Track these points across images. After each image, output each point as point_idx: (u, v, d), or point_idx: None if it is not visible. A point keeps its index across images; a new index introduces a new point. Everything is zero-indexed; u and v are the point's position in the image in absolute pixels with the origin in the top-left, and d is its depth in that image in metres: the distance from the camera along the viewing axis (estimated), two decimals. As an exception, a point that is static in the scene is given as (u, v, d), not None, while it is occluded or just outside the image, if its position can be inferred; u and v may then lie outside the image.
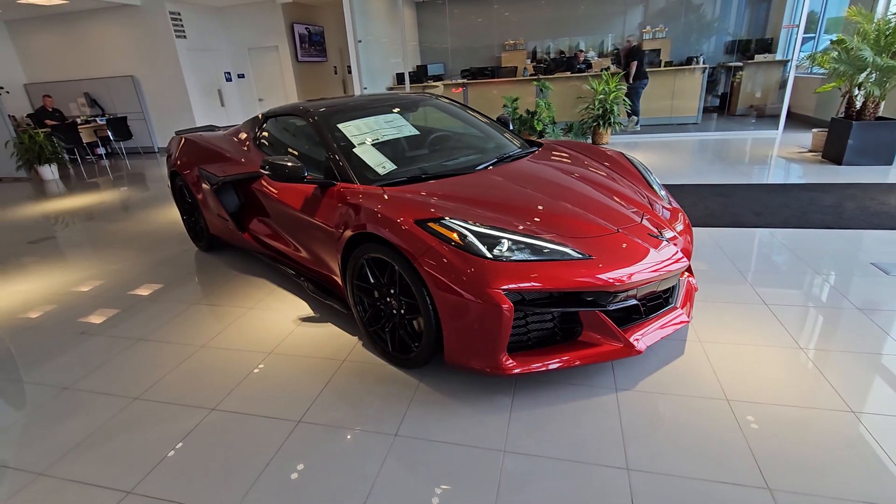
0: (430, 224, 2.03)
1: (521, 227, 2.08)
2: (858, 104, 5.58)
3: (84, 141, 9.28)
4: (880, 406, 1.91)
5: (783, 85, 8.39)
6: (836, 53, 5.47)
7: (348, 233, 2.30)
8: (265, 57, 11.00)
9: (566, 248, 2.00)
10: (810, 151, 6.49)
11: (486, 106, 9.76)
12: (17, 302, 3.44)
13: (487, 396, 2.10)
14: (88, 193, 6.97)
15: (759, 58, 9.57)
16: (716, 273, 3.14)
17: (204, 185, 3.59)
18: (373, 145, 2.79)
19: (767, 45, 9.98)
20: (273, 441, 1.93)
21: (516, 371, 1.94)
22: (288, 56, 10.76)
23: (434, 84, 10.33)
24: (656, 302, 2.26)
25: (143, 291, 3.45)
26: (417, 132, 3.12)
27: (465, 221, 2.04)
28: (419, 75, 10.67)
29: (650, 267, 2.06)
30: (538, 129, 7.80)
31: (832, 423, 1.85)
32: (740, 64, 9.89)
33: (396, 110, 3.19)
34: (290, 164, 2.54)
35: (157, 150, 10.58)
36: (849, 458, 1.68)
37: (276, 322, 2.86)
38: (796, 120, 9.13)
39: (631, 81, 8.79)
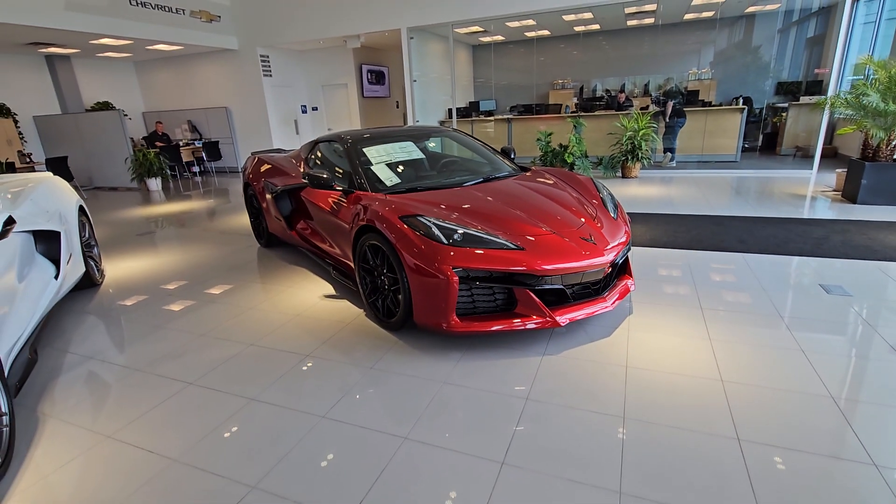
0: (409, 219, 2.80)
1: (476, 225, 2.80)
2: (874, 146, 5.76)
3: (184, 160, 11.09)
4: (746, 377, 2.40)
5: (826, 126, 8.47)
6: (845, 98, 5.73)
7: (357, 226, 3.12)
8: (336, 92, 12.53)
9: (504, 240, 2.69)
10: (834, 191, 6.63)
11: (528, 140, 10.52)
12: (124, 272, 4.58)
13: (444, 351, 2.80)
14: (183, 202, 8.44)
15: (804, 99, 9.66)
16: (673, 283, 3.64)
17: (267, 194, 4.60)
18: (386, 165, 3.64)
19: (818, 87, 10.03)
20: (289, 364, 2.75)
21: (461, 329, 2.63)
22: (355, 92, 12.20)
23: (487, 118, 11.30)
24: (586, 291, 2.87)
25: (215, 272, 4.47)
26: (424, 156, 3.94)
27: (435, 218, 2.79)
28: (469, 111, 11.67)
29: (572, 262, 2.70)
30: (569, 161, 8.41)
31: (700, 386, 2.36)
32: (786, 105, 10.00)
33: (412, 140, 4.04)
34: (323, 175, 3.44)
35: (240, 170, 12.26)
36: (695, 407, 2.21)
37: (305, 297, 3.73)
38: (842, 161, 9.07)
39: (668, 120, 9.23)
